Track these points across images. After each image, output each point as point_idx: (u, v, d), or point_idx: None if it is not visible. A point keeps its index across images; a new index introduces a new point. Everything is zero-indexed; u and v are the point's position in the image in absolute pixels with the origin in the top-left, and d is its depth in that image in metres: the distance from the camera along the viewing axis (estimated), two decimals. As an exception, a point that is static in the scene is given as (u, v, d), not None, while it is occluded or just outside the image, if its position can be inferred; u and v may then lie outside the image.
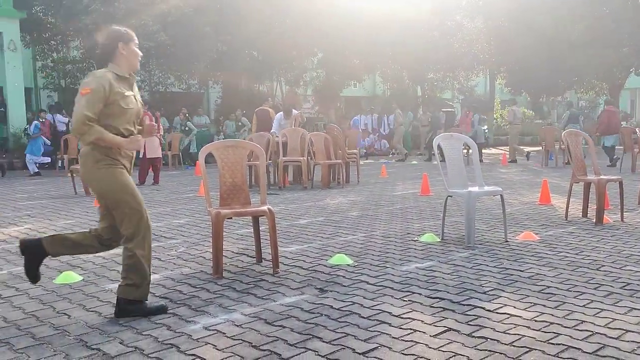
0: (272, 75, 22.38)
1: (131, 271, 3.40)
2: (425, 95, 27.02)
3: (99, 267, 4.65)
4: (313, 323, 3.24)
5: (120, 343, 2.98)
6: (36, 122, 14.94)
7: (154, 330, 3.17)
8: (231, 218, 4.77)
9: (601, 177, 6.50)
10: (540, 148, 16.49)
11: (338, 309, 3.46)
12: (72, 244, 3.55)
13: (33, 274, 3.57)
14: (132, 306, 3.40)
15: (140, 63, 3.46)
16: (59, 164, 15.56)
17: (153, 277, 4.29)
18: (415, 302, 3.59)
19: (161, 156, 11.91)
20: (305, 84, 23.87)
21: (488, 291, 3.79)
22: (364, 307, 3.51)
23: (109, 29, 3.55)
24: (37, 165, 14.64)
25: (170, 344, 2.97)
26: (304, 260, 4.74)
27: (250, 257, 4.90)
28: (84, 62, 20.14)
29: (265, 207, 4.38)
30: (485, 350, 2.82)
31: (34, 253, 3.54)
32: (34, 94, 21.99)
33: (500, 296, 3.68)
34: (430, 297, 3.67)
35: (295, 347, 2.89)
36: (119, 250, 5.26)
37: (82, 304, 3.66)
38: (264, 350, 2.86)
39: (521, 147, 17.96)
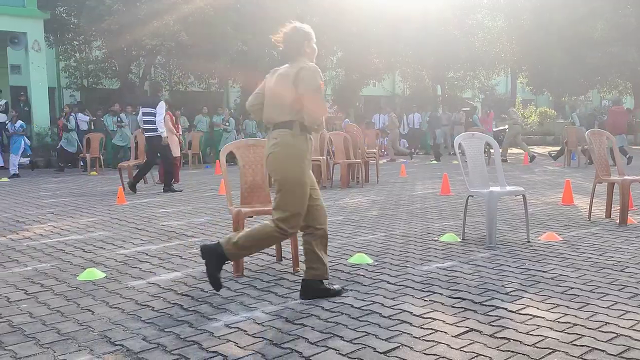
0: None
1: (256, 240, 3.62)
2: (445, 94, 26.87)
3: (121, 265, 4.70)
4: (333, 322, 3.24)
5: (143, 339, 3.01)
6: (21, 121, 14.38)
7: (176, 327, 3.20)
8: (252, 217, 4.79)
9: (625, 177, 6.40)
10: (563, 148, 16.28)
11: (358, 308, 3.46)
12: (253, 240, 3.64)
13: (215, 280, 3.62)
14: (316, 286, 3.65)
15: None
16: (82, 163, 15.77)
17: (174, 274, 4.35)
18: (437, 302, 3.57)
19: (180, 155, 11.96)
20: (324, 83, 23.90)
21: (510, 292, 3.76)
22: (385, 306, 3.50)
23: (295, 28, 3.79)
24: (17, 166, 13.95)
25: (192, 340, 2.99)
26: (324, 259, 4.74)
27: (270, 255, 4.92)
28: (106, 62, 20.41)
29: (285, 206, 4.38)
30: (508, 351, 2.80)
31: (214, 257, 3.63)
32: (57, 94, 22.34)
33: (523, 297, 3.65)
34: (452, 297, 3.65)
35: (316, 345, 2.90)
36: (140, 247, 5.34)
37: (105, 301, 3.71)
38: (285, 348, 2.87)
39: (528, 147, 17.86)
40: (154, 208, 7.94)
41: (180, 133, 14.13)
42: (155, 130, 9.85)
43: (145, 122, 9.95)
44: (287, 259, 4.72)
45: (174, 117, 11.64)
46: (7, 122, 15.03)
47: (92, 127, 17.35)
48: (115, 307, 3.57)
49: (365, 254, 4.80)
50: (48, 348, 2.91)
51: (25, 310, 3.52)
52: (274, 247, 4.92)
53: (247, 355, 2.79)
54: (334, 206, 7.91)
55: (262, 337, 3.02)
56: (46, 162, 16.85)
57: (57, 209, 8.05)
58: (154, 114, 9.81)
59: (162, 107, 9.82)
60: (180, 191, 10.08)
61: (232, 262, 4.38)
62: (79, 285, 4.10)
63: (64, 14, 19.58)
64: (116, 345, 2.94)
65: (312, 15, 19.50)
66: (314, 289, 3.67)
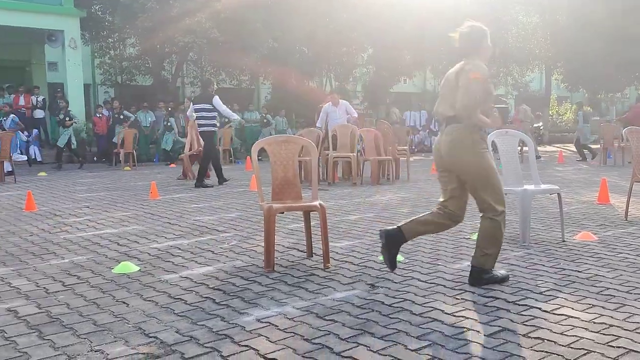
0: (322, 71, 22.42)
1: (489, 242, 3.76)
2: (477, 91, 26.47)
3: (154, 259, 4.78)
4: (364, 318, 3.24)
5: (177, 332, 3.06)
6: (13, 115, 13.74)
7: (208, 320, 3.24)
8: (283, 213, 4.81)
9: (665, 176, 6.23)
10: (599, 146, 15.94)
11: (389, 305, 3.45)
12: (425, 224, 3.91)
13: (393, 262, 3.92)
14: (485, 275, 3.78)
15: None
16: (115, 158, 16.06)
17: (206, 269, 4.40)
18: (468, 300, 3.54)
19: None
20: (354, 80, 23.81)
21: (544, 291, 3.70)
22: (416, 304, 3.48)
23: (473, 26, 3.90)
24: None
25: (224, 334, 3.02)
26: (354, 256, 4.74)
27: (301, 251, 4.94)
28: (139, 59, 20.71)
29: (316, 203, 4.40)
30: (542, 351, 2.76)
31: (394, 241, 3.86)
32: (92, 90, 22.77)
33: (557, 297, 3.58)
34: (484, 296, 3.61)
35: (347, 341, 2.90)
36: (173, 242, 5.41)
37: (139, 294, 3.77)
38: (316, 343, 2.88)
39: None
40: (186, 203, 8.04)
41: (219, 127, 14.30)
42: (208, 125, 10.19)
43: (198, 117, 10.28)
44: (318, 255, 4.73)
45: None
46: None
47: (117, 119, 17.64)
48: (149, 300, 3.63)
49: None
50: (85, 338, 2.98)
51: (63, 302, 3.61)
52: (304, 243, 4.95)
53: (278, 350, 2.81)
54: (365, 203, 7.89)
55: (293, 332, 3.04)
56: (82, 157, 17.19)
57: (92, 203, 8.21)
58: (206, 109, 10.15)
59: (218, 100, 10.12)
60: (212, 186, 10.20)
61: (263, 258, 4.42)
62: (114, 278, 4.18)
63: (99, 12, 19.93)
64: (150, 337, 3.00)
65: (341, 11, 19.47)
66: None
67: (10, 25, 16.58)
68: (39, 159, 16.58)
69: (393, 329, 3.07)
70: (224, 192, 9.38)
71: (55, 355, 2.76)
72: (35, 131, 17.03)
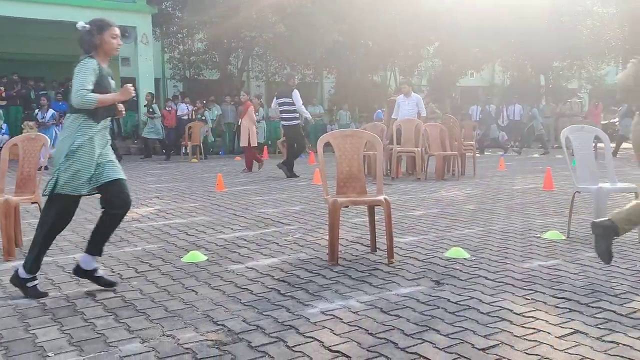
0: (387, 65, 22.24)
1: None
2: (549, 85, 25.60)
3: (221, 249, 4.89)
4: (429, 315, 3.20)
5: (244, 321, 3.12)
6: (52, 110, 13.52)
7: (273, 311, 3.29)
8: (347, 206, 4.82)
9: None
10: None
11: (455, 303, 3.40)
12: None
13: (608, 254, 3.72)
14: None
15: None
16: (183, 151, 16.54)
17: (271, 260, 4.46)
18: (539, 301, 3.43)
19: (247, 145, 11.94)
20: (420, 74, 23.48)
21: (620, 294, 3.54)
22: (483, 302, 3.41)
23: None
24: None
25: (289, 325, 3.06)
26: (418, 252, 4.69)
27: (365, 246, 4.93)
28: (206, 53, 21.21)
29: (381, 197, 4.38)
30: (617, 355, 2.64)
31: (606, 233, 3.75)
32: (162, 84, 23.50)
33: (634, 300, 3.42)
34: (555, 297, 3.49)
35: (412, 337, 2.88)
36: (239, 233, 5.52)
37: (207, 282, 3.88)
38: (381, 338, 2.88)
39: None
40: (251, 195, 8.18)
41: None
42: (291, 119, 10.43)
43: (281, 111, 10.56)
44: (382, 250, 4.71)
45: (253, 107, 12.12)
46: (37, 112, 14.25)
47: (193, 116, 18.12)
48: (217, 289, 3.72)
49: (462, 248, 4.69)
50: (157, 323, 3.09)
51: (136, 287, 3.76)
52: (368, 237, 4.94)
53: (342, 343, 2.82)
54: (429, 199, 7.78)
55: (357, 326, 3.04)
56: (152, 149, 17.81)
57: (162, 194, 8.49)
58: (287, 103, 10.43)
59: (297, 94, 10.29)
60: (298, 176, 10.57)
61: (327, 251, 4.44)
62: (183, 266, 4.31)
63: (169, 8, 20.53)
64: (218, 324, 3.07)
65: (407, 4, 19.21)
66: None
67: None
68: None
69: (459, 327, 3.02)
70: (288, 185, 9.48)
71: (130, 338, 2.87)
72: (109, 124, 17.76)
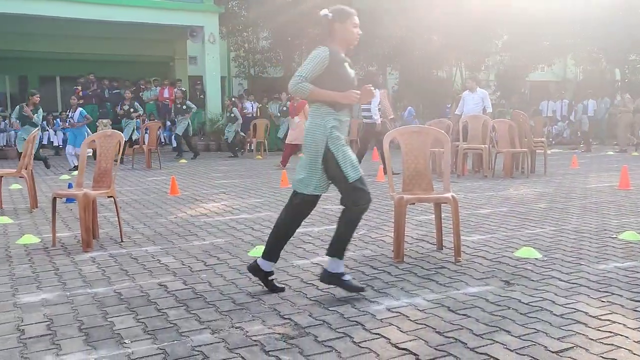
0: (452, 60, 21.81)
1: None
2: (624, 79, 24.38)
3: (287, 244, 4.92)
4: (500, 315, 3.12)
5: (310, 315, 3.15)
6: (82, 109, 12.66)
7: (339, 307, 3.29)
8: (414, 204, 4.76)
9: None
10: None
11: (527, 304, 3.30)
12: None
13: None
14: None
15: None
16: (249, 147, 16.83)
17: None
18: (616, 304, 3.28)
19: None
20: (487, 69, 22.88)
21: None
22: (556, 304, 3.29)
23: None
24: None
25: (355, 321, 3.06)
26: (487, 251, 4.58)
27: (431, 243, 4.86)
28: (271, 51, 21.48)
29: (449, 194, 4.30)
30: None
31: None
32: (227, 82, 24.00)
33: None
34: (634, 301, 3.33)
35: (482, 337, 2.81)
36: (303, 229, 5.56)
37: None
38: (449, 337, 2.83)
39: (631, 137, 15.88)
40: (315, 192, 8.22)
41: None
42: (369, 117, 10.49)
43: (363, 109, 10.65)
44: (448, 248, 4.63)
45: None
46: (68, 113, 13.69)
47: (258, 113, 18.41)
48: (283, 283, 3.76)
49: (533, 248, 4.54)
50: (226, 315, 3.16)
51: (205, 280, 3.86)
52: (434, 235, 4.87)
53: (409, 340, 2.79)
54: (497, 197, 7.59)
55: (424, 324, 3.01)
56: (217, 146, 18.23)
57: (228, 190, 8.67)
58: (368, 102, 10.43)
59: (376, 95, 10.32)
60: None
61: (393, 248, 4.41)
62: (250, 260, 4.38)
63: (235, 7, 20.92)
64: (285, 318, 3.11)
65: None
66: None
67: (158, 23, 17.92)
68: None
69: (532, 328, 2.93)
70: (352, 182, 9.46)
71: (200, 329, 2.96)
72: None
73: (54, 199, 5.01)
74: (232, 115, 15.83)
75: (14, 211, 6.83)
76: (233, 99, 17.30)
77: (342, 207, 3.49)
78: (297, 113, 12.07)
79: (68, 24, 17.29)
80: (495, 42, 21.73)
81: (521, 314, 3.14)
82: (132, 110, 14.51)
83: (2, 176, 7.07)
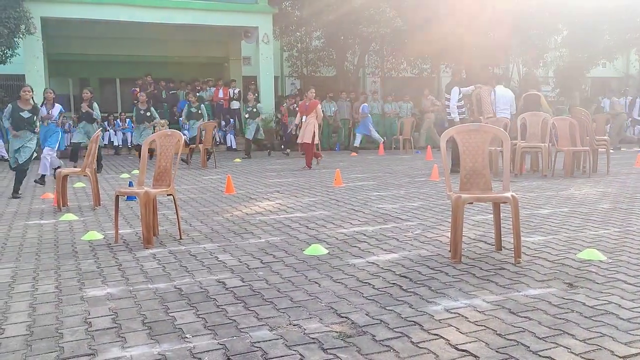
0: (509, 56, 21.30)
1: None
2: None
3: (341, 243, 4.95)
4: (563, 318, 3.03)
5: (367, 314, 3.14)
6: (60, 106, 10.32)
7: (396, 306, 3.27)
8: (472, 203, 4.68)
9: None
10: None
11: (591, 307, 3.18)
12: None
13: None
14: None
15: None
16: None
17: (392, 256, 4.44)
18: (688, 309, 3.13)
19: (311, 142, 11.86)
20: (545, 65, 22.22)
21: None
22: (623, 307, 3.17)
23: None
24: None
25: (413, 321, 3.03)
26: (548, 252, 4.46)
27: (489, 244, 4.77)
28: (323, 51, 21.54)
29: (508, 194, 4.21)
30: None
31: None
32: (280, 82, 24.22)
33: None
34: None
35: (545, 341, 2.74)
36: (358, 228, 5.55)
37: (329, 275, 3.94)
38: (510, 339, 2.76)
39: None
40: (369, 191, 8.20)
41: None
42: (449, 114, 10.50)
43: (446, 106, 10.69)
44: (507, 248, 4.53)
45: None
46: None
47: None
48: (339, 282, 3.77)
49: (597, 249, 4.39)
50: (284, 313, 3.19)
51: (262, 278, 3.90)
52: (492, 235, 4.77)
53: (469, 342, 2.75)
54: (557, 197, 7.36)
55: (484, 326, 2.95)
56: (270, 145, 18.42)
57: (282, 188, 8.75)
58: (447, 99, 10.55)
59: (455, 92, 10.34)
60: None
61: (450, 248, 4.35)
62: (305, 259, 4.41)
63: (289, 7, 21.08)
64: (342, 317, 3.11)
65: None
66: None
67: (214, 24, 18.26)
68: (233, 147, 18.13)
69: (597, 332, 2.83)
70: (406, 182, 9.39)
71: (259, 325, 3.00)
72: (231, 121, 18.66)
73: (117, 197, 5.17)
74: (255, 110, 15.53)
75: (79, 209, 7.10)
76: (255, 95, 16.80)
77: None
78: (308, 112, 12.01)
79: (127, 27, 17.85)
80: (554, 37, 21.08)
81: (586, 317, 3.04)
82: (150, 115, 13.69)
83: (68, 175, 7.37)
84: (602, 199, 7.09)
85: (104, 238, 5.30)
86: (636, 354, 2.57)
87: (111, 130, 17.81)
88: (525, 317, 3.06)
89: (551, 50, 21.45)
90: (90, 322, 3.10)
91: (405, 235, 5.19)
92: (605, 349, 2.64)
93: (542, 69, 22.23)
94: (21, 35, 15.04)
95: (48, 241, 5.21)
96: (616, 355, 2.56)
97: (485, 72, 10.38)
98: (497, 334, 2.84)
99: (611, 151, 11.41)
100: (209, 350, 2.70)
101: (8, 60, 15.27)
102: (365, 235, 5.25)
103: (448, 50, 18.26)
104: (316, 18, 18.80)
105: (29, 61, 15.78)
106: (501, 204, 4.54)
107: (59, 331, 2.97)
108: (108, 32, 18.56)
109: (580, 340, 2.73)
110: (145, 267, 4.20)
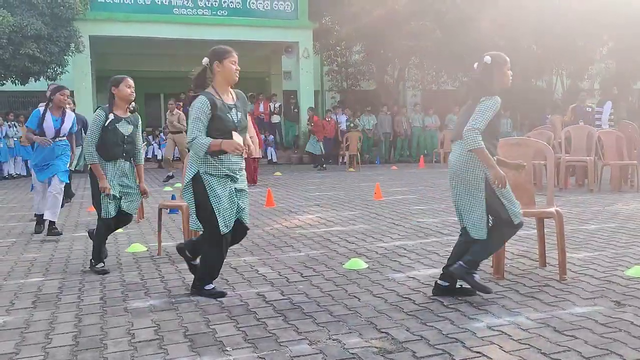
0: (552, 69, 20.90)
1: None
2: None
3: (381, 257, 4.92)
4: (610, 338, 2.93)
5: (407, 330, 3.11)
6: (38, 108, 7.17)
7: (437, 322, 3.23)
8: (513, 218, 4.58)
9: None
10: None
11: (639, 326, 3.08)
12: None
13: None
14: None
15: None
16: (341, 160, 16.99)
17: (432, 270, 4.39)
18: None
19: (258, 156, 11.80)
20: (590, 78, 21.71)
21: None
22: (675, 328, 3.05)
23: None
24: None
25: (454, 338, 2.99)
26: (594, 269, 4.33)
27: (532, 260, 4.66)
28: (363, 65, 21.59)
29: (552, 209, 4.12)
30: None
31: None
32: (320, 96, 24.37)
33: None
34: None
35: (592, 361, 2.66)
36: (398, 242, 5.51)
37: (369, 289, 3.92)
38: (555, 359, 2.69)
39: None
40: (409, 205, 8.14)
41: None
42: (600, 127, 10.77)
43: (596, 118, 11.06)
44: (552, 265, 4.42)
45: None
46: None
47: (351, 125, 18.52)
48: (379, 297, 3.75)
49: (647, 266, 4.24)
50: (323, 327, 3.19)
51: (302, 291, 3.91)
52: (536, 251, 4.67)
53: (513, 361, 2.69)
54: (604, 212, 7.15)
55: (528, 344, 2.88)
56: (310, 158, 18.50)
57: (322, 202, 8.77)
58: (599, 112, 11.00)
59: (608, 105, 10.79)
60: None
61: (492, 264, 4.27)
62: (345, 273, 4.41)
63: (329, 22, 21.25)
64: (382, 332, 3.09)
65: (574, 2, 17.89)
66: None
67: (256, 40, 18.55)
68: (274, 160, 18.29)
69: (647, 353, 2.73)
70: (446, 196, 9.28)
71: (299, 340, 3.00)
72: (271, 137, 18.86)
73: (160, 210, 5.28)
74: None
75: (124, 221, 7.27)
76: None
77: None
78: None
79: (171, 44, 18.29)
80: (599, 49, 20.60)
81: (634, 337, 2.94)
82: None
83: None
84: (652, 215, 6.85)
85: (147, 250, 5.41)
86: (690, 377, 2.47)
87: (155, 144, 18.22)
88: (571, 336, 2.97)
89: (596, 62, 20.96)
90: (133, 333, 3.16)
91: (446, 250, 5.12)
92: (657, 371, 2.54)
93: (587, 81, 21.72)
94: (71, 53, 15.59)
95: (94, 253, 5.35)
96: (668, 378, 2.47)
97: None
98: (541, 353, 2.77)
99: None
100: (249, 364, 2.72)
101: (58, 77, 15.85)
102: (405, 249, 5.21)
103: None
104: (356, 33, 18.88)
105: (78, 78, 16.35)
106: (545, 219, 4.44)
107: (103, 342, 3.04)
108: (153, 48, 19.07)
109: (629, 361, 2.64)
110: (187, 280, 4.26)
